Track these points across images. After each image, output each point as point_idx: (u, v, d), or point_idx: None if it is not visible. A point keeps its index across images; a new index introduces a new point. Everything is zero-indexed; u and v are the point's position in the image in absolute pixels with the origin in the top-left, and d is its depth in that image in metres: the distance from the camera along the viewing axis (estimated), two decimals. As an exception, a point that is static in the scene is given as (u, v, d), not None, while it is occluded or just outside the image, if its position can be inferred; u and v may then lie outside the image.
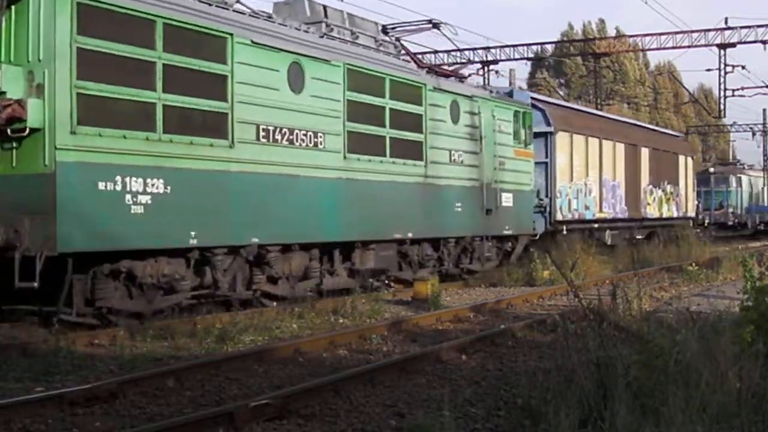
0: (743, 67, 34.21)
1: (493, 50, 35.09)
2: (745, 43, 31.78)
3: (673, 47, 33.46)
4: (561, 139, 23.76)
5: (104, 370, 8.91)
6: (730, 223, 41.39)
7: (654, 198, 30.03)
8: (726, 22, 32.21)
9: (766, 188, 50.07)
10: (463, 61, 35.41)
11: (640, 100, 73.26)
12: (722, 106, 35.20)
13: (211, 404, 7.43)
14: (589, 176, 25.27)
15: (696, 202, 36.43)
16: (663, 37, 33.43)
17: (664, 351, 6.01)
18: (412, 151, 16.31)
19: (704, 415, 5.44)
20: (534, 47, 39.42)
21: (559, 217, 23.37)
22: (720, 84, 33.94)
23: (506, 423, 6.64)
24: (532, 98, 23.22)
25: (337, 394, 7.60)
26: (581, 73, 60.89)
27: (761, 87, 39.03)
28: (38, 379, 8.41)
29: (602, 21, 78.21)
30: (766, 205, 49.12)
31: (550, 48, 46.58)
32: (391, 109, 15.66)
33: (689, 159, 34.29)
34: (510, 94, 21.74)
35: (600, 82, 38.26)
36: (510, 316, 13.37)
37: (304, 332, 11.57)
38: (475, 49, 35.18)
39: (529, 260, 19.33)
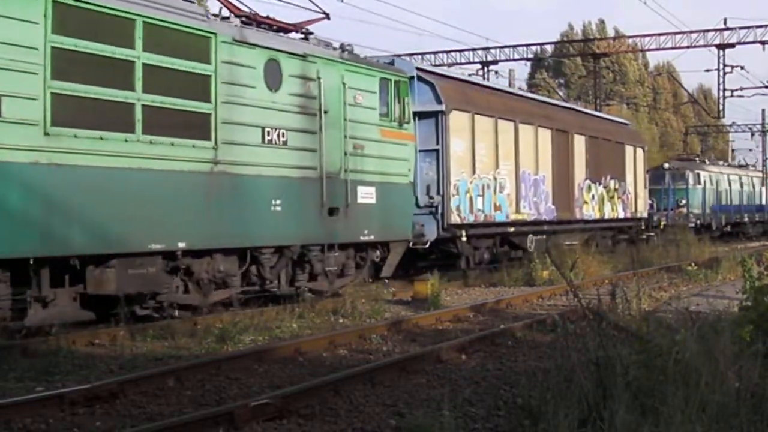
0: (742, 68, 34.27)
1: (493, 50, 35.16)
2: (744, 43, 31.82)
3: (673, 48, 33.51)
4: (456, 120, 18.72)
5: (104, 369, 8.92)
6: (692, 225, 35.41)
7: (593, 196, 25.25)
8: (725, 23, 32.27)
9: (734, 185, 43.29)
10: (464, 61, 35.47)
11: (640, 101, 73.24)
12: (721, 107, 35.23)
13: (211, 404, 7.44)
14: (501, 168, 20.31)
15: (649, 202, 32.65)
16: (662, 38, 33.48)
17: (663, 351, 6.02)
18: (191, 126, 11.68)
19: (703, 414, 5.45)
20: (534, 47, 39.52)
21: (455, 219, 18.43)
22: (719, 84, 33.99)
23: (506, 423, 6.66)
24: (419, 69, 18.79)
25: (337, 394, 7.61)
26: (581, 73, 60.89)
27: (760, 87, 39.08)
28: (38, 379, 8.42)
29: (602, 21, 78.29)
30: (733, 203, 42.74)
31: (549, 48, 46.67)
32: (146, 66, 11.04)
33: (639, 150, 29.37)
34: (391, 63, 17.49)
35: (599, 82, 38.27)
36: (510, 316, 13.39)
37: (304, 332, 11.59)
38: (475, 49, 35.22)
39: (529, 261, 19.36)
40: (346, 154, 14.26)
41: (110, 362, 9.27)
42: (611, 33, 67.24)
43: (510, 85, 33.90)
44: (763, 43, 31.41)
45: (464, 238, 18.66)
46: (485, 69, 35.40)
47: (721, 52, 32.87)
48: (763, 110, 60.63)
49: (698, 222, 36.78)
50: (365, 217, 14.63)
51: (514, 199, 20.84)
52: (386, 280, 16.35)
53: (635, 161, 28.79)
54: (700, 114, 71.31)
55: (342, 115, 14.21)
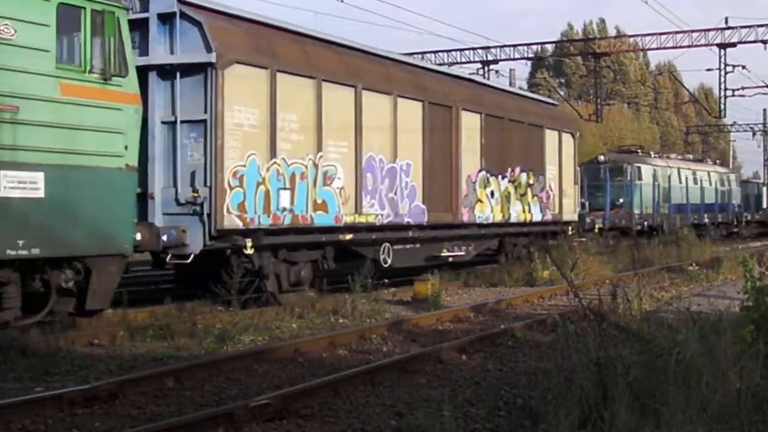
0: (743, 67, 34.21)
1: (493, 50, 35.11)
2: (745, 42, 31.77)
3: (674, 47, 33.44)
4: (241, 77, 13.01)
5: (104, 370, 8.91)
6: (636, 227, 30.22)
7: (492, 192, 19.41)
8: (726, 22, 32.21)
9: (691, 182, 36.88)
10: (464, 60, 35.47)
11: (641, 100, 73.26)
12: (722, 106, 35.18)
13: (211, 404, 7.42)
14: (328, 151, 14.58)
15: (581, 200, 27.82)
16: (663, 37, 33.43)
17: (664, 351, 6.00)
18: None
19: (704, 415, 5.44)
20: (534, 47, 39.43)
21: (232, 222, 12.78)
22: (720, 84, 33.93)
23: (506, 423, 6.65)
24: (184, 2, 12.86)
25: (337, 394, 7.60)
26: (581, 73, 60.86)
27: (761, 87, 39.03)
28: (38, 380, 8.41)
29: (602, 21, 78.37)
30: (691, 202, 36.40)
31: (550, 48, 46.59)
32: None
33: (567, 137, 23.06)
34: None
35: (600, 82, 38.24)
36: (510, 316, 13.37)
37: (304, 332, 11.57)
38: (475, 48, 35.20)
39: (529, 261, 19.34)
40: None
41: (109, 362, 9.25)
42: (612, 32, 67.31)
43: (510, 85, 33.80)
44: (764, 42, 31.38)
45: (250, 249, 13.01)
46: (485, 68, 35.38)
47: (723, 52, 32.83)
48: (765, 110, 60.70)
49: (645, 224, 31.02)
50: (15, 221, 9.59)
51: (353, 194, 15.00)
52: (386, 280, 16.28)
53: (561, 150, 22.61)
54: (701, 113, 71.40)
55: None
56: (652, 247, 25.84)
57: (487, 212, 19.26)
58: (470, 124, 18.75)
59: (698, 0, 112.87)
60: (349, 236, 15.09)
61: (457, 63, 35.99)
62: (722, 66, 33.17)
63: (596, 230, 26.26)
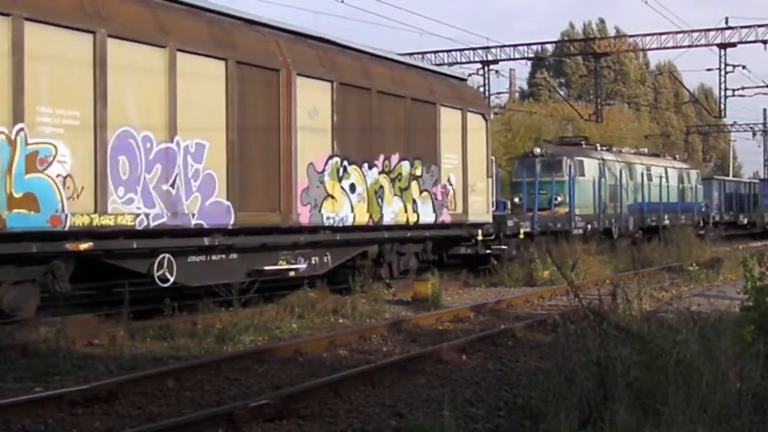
0: (744, 67, 34.18)
1: (493, 50, 35.09)
2: (745, 42, 31.75)
3: (674, 47, 33.41)
4: None
5: (104, 370, 8.91)
6: (577, 231, 24.65)
7: (352, 187, 14.99)
8: (726, 22, 32.18)
9: (646, 178, 31.29)
10: (464, 61, 35.48)
11: (641, 100, 73.26)
12: (722, 106, 35.16)
13: (211, 404, 7.42)
14: (38, 122, 10.23)
15: (502, 200, 24.51)
16: (663, 37, 33.41)
17: (664, 351, 6.00)
18: None
19: (705, 415, 5.43)
20: (534, 47, 39.38)
21: None
22: (720, 84, 33.91)
23: (507, 423, 6.64)
24: None
25: (337, 394, 7.59)
26: (582, 72, 60.90)
27: (761, 87, 39.03)
28: (38, 380, 8.41)
29: (602, 21, 78.32)
30: (649, 201, 31.02)
31: (550, 48, 46.55)
32: None
33: (473, 118, 18.52)
34: None
35: (600, 82, 38.21)
36: (510, 317, 13.37)
37: (304, 332, 11.58)
38: (475, 49, 35.19)
39: (529, 261, 19.32)
40: None
41: (109, 362, 9.25)
42: (612, 32, 67.29)
43: (511, 85, 33.73)
44: (764, 42, 31.37)
45: None
46: (486, 68, 35.37)
47: (723, 52, 32.80)
48: (765, 110, 60.80)
49: (589, 226, 25.51)
50: None
51: (91, 185, 10.73)
52: (386, 280, 16.28)
53: (465, 135, 18.14)
54: (701, 113, 71.41)
55: None
56: (652, 247, 25.76)
57: (344, 212, 14.68)
58: (314, 95, 14.06)
59: (698, 0, 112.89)
60: (86, 245, 10.66)
61: (457, 63, 35.98)
62: (722, 66, 33.15)
63: (521, 235, 20.59)
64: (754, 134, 60.07)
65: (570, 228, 24.14)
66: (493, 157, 19.70)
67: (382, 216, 15.65)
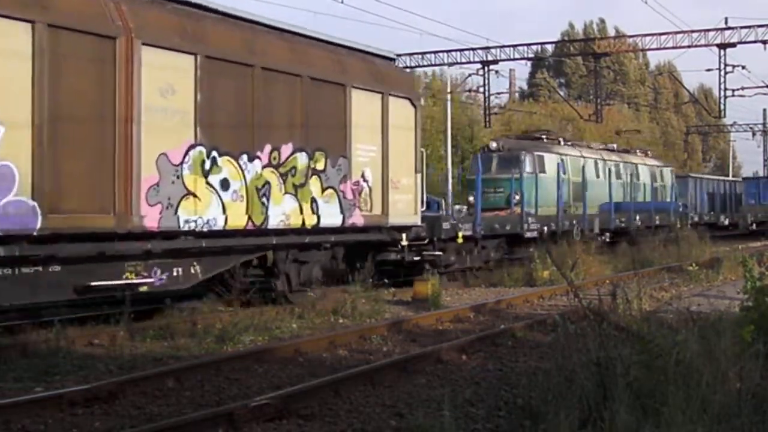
0: (743, 67, 34.13)
1: (493, 50, 35.06)
2: (745, 43, 31.73)
3: (674, 47, 33.38)
4: None
5: (104, 370, 8.92)
6: (531, 234, 21.71)
7: (225, 183, 12.30)
8: (726, 22, 32.16)
9: (614, 177, 28.91)
10: (464, 61, 35.48)
11: (641, 101, 73.29)
12: (722, 106, 35.12)
13: (211, 404, 7.42)
14: None
15: (436, 199, 22.07)
16: (663, 37, 33.38)
17: (664, 351, 6.00)
18: None
19: (704, 415, 5.44)
20: (534, 47, 39.39)
21: None
22: (720, 84, 33.88)
23: (506, 423, 6.64)
24: None
25: (337, 394, 7.60)
26: (581, 73, 60.93)
27: (761, 87, 38.98)
28: (38, 380, 8.42)
29: (602, 21, 78.37)
30: (608, 200, 27.83)
31: (550, 48, 46.58)
32: None
33: (398, 103, 15.77)
34: None
35: (600, 82, 38.20)
36: (510, 317, 13.37)
37: (304, 332, 11.58)
38: (475, 49, 35.18)
39: (529, 260, 19.31)
40: None
41: (109, 362, 9.26)
42: (612, 32, 67.31)
43: (510, 85, 33.70)
44: (764, 42, 31.35)
45: None
46: (486, 69, 35.36)
47: (722, 52, 32.77)
48: (765, 110, 60.80)
49: (545, 228, 22.53)
50: None
51: None
52: (386, 280, 16.22)
53: (386, 123, 15.38)
54: (701, 114, 71.42)
55: None
56: (652, 247, 25.70)
57: (212, 213, 12.00)
58: (169, 70, 11.54)
59: (698, 0, 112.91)
60: None
61: (457, 63, 35.99)
62: (722, 66, 33.12)
63: (460, 239, 18.30)
64: (753, 134, 60.12)
65: (521, 230, 21.33)
66: (423, 150, 16.93)
67: (267, 218, 12.87)
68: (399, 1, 38.55)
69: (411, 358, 9.26)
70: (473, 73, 36.34)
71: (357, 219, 14.71)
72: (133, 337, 10.60)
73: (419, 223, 16.42)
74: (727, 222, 40.86)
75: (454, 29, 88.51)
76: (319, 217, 13.88)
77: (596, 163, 28.60)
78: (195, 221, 11.72)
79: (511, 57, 35.45)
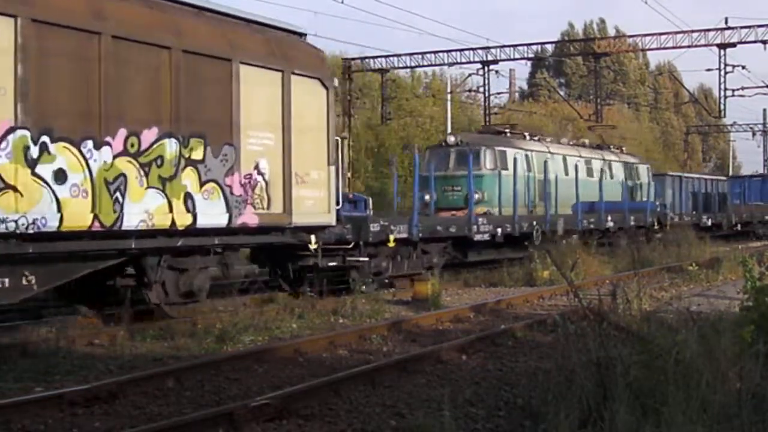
0: (743, 67, 34.18)
1: (493, 50, 35.11)
2: (745, 43, 31.77)
3: (674, 47, 33.43)
4: None
5: (104, 370, 8.92)
6: (482, 236, 19.73)
7: (60, 173, 10.11)
8: (726, 22, 32.20)
9: (577, 172, 25.92)
10: (464, 61, 35.50)
11: (641, 100, 73.30)
12: (722, 106, 35.15)
13: (211, 404, 7.42)
14: None
15: (362, 197, 19.54)
16: (663, 37, 33.42)
17: (664, 351, 6.00)
18: None
19: (704, 415, 5.44)
20: (534, 47, 39.43)
21: None
22: (720, 84, 33.90)
23: (506, 423, 6.65)
24: None
25: (337, 394, 7.60)
26: (582, 73, 60.96)
27: (761, 87, 39.02)
28: (38, 380, 8.42)
29: (602, 21, 78.39)
30: (587, 200, 26.05)
31: (550, 48, 46.59)
32: None
33: (305, 84, 13.65)
34: None
35: (600, 82, 38.22)
36: (510, 317, 13.37)
37: (304, 332, 11.57)
38: (475, 49, 35.20)
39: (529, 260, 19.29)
40: None
41: (109, 362, 9.26)
42: (612, 32, 67.32)
43: (510, 85, 33.66)
44: (764, 42, 31.38)
45: None
46: (486, 69, 35.38)
47: (722, 52, 32.80)
48: (765, 110, 60.85)
49: (499, 230, 20.39)
50: None
51: None
52: (386, 280, 16.21)
53: (287, 107, 13.20)
54: (701, 113, 71.42)
55: None
56: (652, 247, 25.63)
57: (41, 211, 9.86)
58: None
59: (698, 0, 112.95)
60: None
61: (457, 63, 36.02)
62: (722, 66, 33.15)
63: (391, 242, 16.30)
64: (753, 134, 60.13)
65: (469, 233, 19.29)
66: (339, 138, 14.65)
67: (121, 217, 10.71)
68: (399, 1, 38.55)
69: (411, 358, 9.26)
70: (473, 73, 36.43)
71: (249, 218, 12.50)
72: (133, 337, 10.60)
73: (333, 223, 14.26)
74: (710, 223, 39.01)
75: (454, 29, 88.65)
76: (195, 216, 11.65)
77: (565, 160, 26.34)
78: (15, 221, 9.53)
79: (511, 57, 35.50)
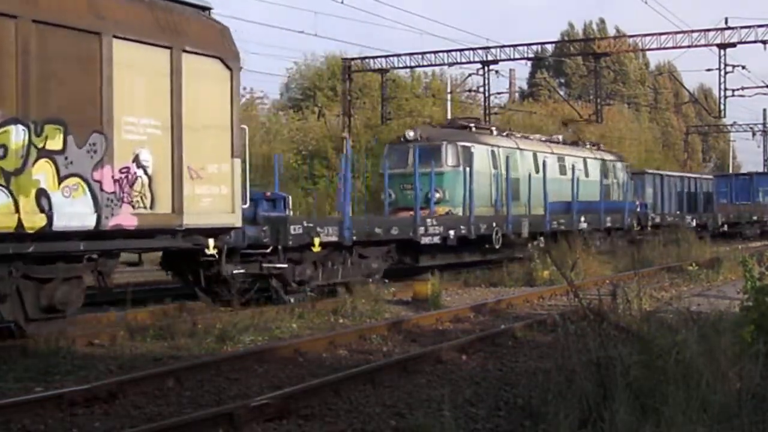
0: (743, 67, 34.14)
1: (493, 50, 35.07)
2: (745, 43, 31.74)
3: (674, 47, 33.39)
4: None
5: (104, 370, 8.92)
6: (429, 241, 17.91)
7: None
8: (726, 22, 32.18)
9: (555, 171, 25.13)
10: (464, 61, 35.48)
11: (641, 100, 73.26)
12: (722, 106, 35.12)
13: (211, 404, 7.42)
14: None
15: (282, 194, 15.92)
16: (663, 37, 33.39)
17: (664, 351, 6.01)
18: None
19: (705, 415, 5.44)
20: (534, 47, 39.35)
21: None
22: (720, 84, 33.88)
23: (506, 423, 6.65)
24: None
25: (337, 394, 7.60)
26: (581, 73, 60.91)
27: (761, 87, 38.98)
28: (38, 379, 8.42)
29: (602, 21, 78.32)
30: (562, 200, 24.45)
31: (550, 48, 46.53)
32: None
33: (201, 63, 11.77)
34: None
35: (600, 82, 38.19)
36: (510, 317, 13.37)
37: (304, 332, 11.58)
38: (475, 49, 35.18)
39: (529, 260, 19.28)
40: None
41: (109, 362, 9.26)
42: (612, 32, 67.27)
43: (510, 85, 33.70)
44: (764, 42, 31.36)
45: None
46: (485, 69, 35.35)
47: (722, 52, 32.77)
48: (765, 110, 60.82)
49: (452, 233, 18.48)
50: None
51: None
52: (386, 280, 16.22)
53: (177, 89, 11.43)
54: (701, 113, 71.37)
55: None
56: (652, 247, 25.62)
57: None
58: None
59: (698, 0, 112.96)
60: None
61: (457, 63, 35.99)
62: (722, 66, 33.12)
63: (316, 246, 14.42)
64: (753, 134, 60.07)
65: (414, 235, 17.36)
66: (245, 127, 12.85)
67: None
68: (399, 1, 38.52)
69: (411, 358, 9.26)
70: (473, 73, 36.35)
71: (125, 219, 10.69)
72: (133, 337, 10.60)
73: (239, 224, 12.47)
74: (694, 223, 36.58)
75: (454, 29, 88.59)
76: (51, 218, 9.79)
77: (535, 156, 24.61)
78: None
79: (511, 57, 35.46)
